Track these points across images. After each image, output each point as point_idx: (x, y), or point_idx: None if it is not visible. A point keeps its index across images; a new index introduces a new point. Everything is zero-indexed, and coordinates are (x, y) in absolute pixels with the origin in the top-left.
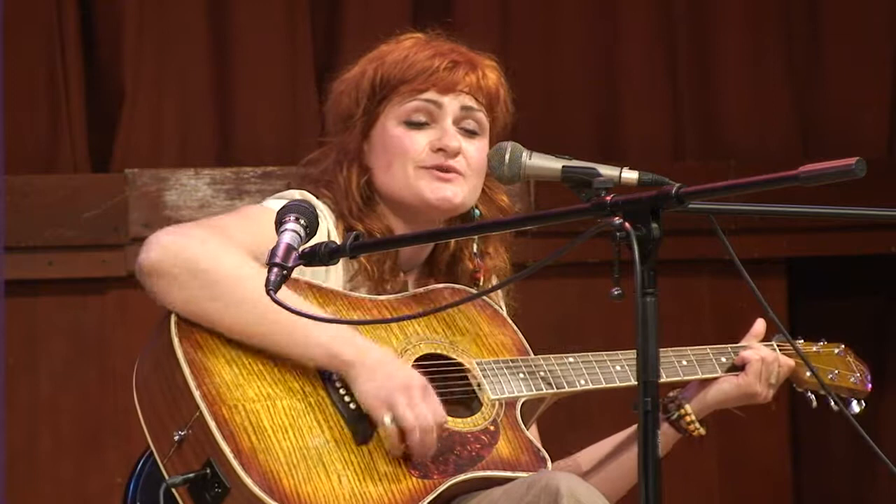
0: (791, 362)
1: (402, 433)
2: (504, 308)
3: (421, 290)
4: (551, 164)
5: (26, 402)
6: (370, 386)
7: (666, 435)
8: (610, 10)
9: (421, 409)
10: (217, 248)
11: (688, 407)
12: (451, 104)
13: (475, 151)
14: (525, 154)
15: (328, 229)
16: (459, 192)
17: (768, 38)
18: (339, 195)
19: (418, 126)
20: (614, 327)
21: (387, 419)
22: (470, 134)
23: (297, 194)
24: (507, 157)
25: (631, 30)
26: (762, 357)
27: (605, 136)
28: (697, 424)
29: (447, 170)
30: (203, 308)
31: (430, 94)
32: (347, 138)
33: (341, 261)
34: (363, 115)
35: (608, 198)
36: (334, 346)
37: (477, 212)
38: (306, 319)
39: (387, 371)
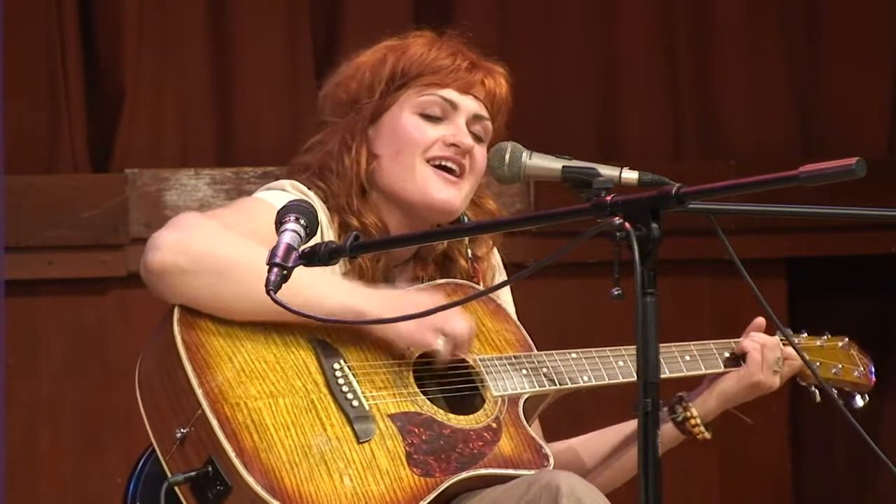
0: (801, 362)
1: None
2: (513, 307)
3: (423, 286)
4: (551, 164)
5: (26, 402)
6: (400, 327)
7: (670, 436)
8: (610, 11)
9: (456, 319)
10: (220, 236)
11: (693, 410)
12: (467, 107)
13: (479, 156)
14: (525, 154)
15: (320, 221)
16: (458, 195)
17: (768, 38)
18: (338, 183)
19: (432, 120)
20: (614, 328)
21: (440, 342)
22: (477, 139)
23: (288, 185)
24: (507, 157)
25: (631, 30)
26: (762, 344)
27: (605, 136)
28: (703, 428)
29: (454, 168)
30: (217, 294)
31: (448, 92)
32: (354, 121)
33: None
34: (378, 100)
35: (608, 198)
36: (350, 302)
37: (465, 218)
38: (319, 290)
39: (405, 301)
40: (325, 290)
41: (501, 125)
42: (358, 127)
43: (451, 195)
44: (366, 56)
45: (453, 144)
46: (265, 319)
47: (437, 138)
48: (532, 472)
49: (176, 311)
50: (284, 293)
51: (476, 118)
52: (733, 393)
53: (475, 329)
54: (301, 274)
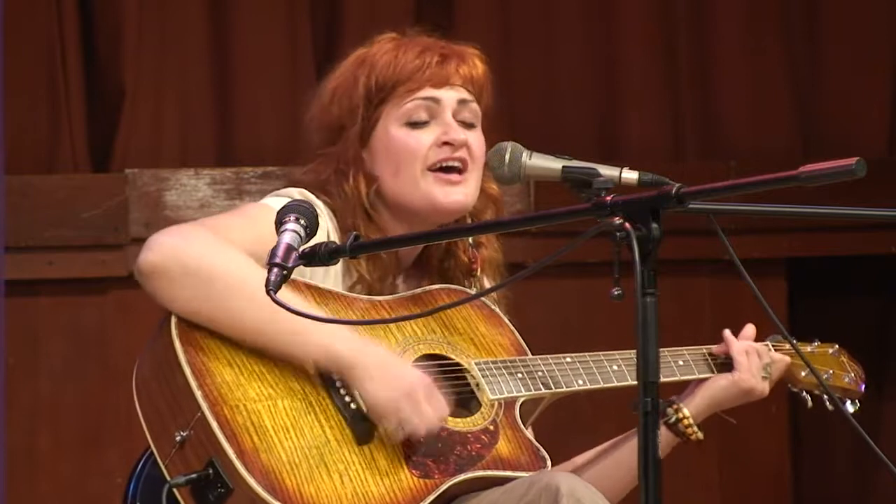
0: (787, 359)
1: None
2: (497, 305)
3: (418, 290)
4: (551, 164)
5: (26, 402)
6: (372, 387)
7: (663, 440)
8: (610, 10)
9: (426, 411)
10: (216, 249)
11: (685, 411)
12: (448, 98)
13: (475, 142)
14: (525, 154)
15: (327, 228)
16: (468, 192)
17: (768, 37)
18: (345, 208)
19: (420, 125)
20: (614, 328)
21: (391, 424)
22: (468, 126)
23: (296, 192)
24: (507, 157)
25: (631, 30)
26: (745, 349)
27: (605, 136)
28: (696, 428)
29: (457, 165)
30: (202, 309)
31: (426, 91)
32: (344, 148)
33: (339, 272)
34: (361, 122)
35: (608, 198)
36: (335, 346)
37: None
38: (306, 321)
39: (389, 372)
40: (305, 329)
41: (489, 102)
42: (350, 153)
43: (459, 195)
44: (337, 79)
45: (446, 143)
46: (243, 341)
47: (430, 143)
48: (530, 473)
49: (173, 314)
50: (275, 320)
51: (461, 104)
52: (722, 398)
53: (445, 419)
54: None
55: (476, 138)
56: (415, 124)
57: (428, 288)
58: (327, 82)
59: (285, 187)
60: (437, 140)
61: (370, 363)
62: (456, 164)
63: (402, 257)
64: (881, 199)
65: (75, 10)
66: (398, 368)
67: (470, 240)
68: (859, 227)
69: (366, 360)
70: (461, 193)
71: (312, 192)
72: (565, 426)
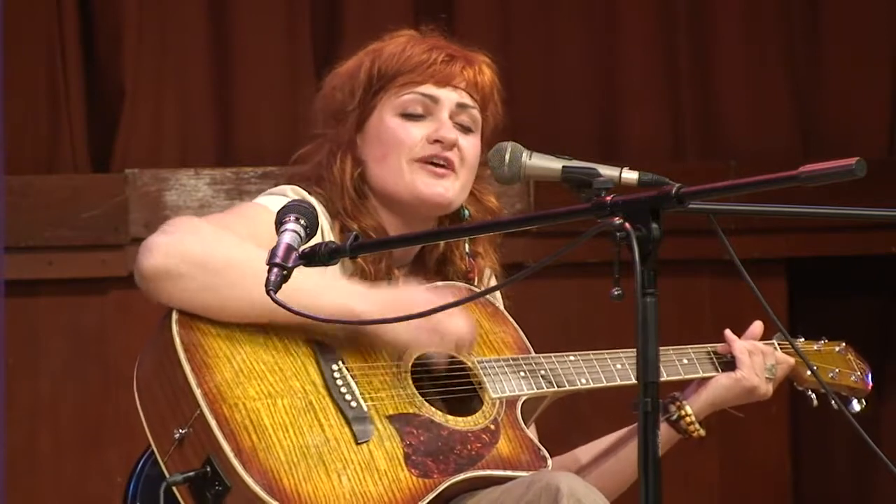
0: (791, 360)
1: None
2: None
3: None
4: (551, 164)
5: (26, 402)
6: (398, 329)
7: (665, 436)
8: (610, 10)
9: (455, 320)
10: (214, 237)
11: (688, 408)
12: (448, 98)
13: (469, 147)
14: (525, 154)
15: (321, 225)
16: (451, 187)
17: (768, 37)
18: (333, 190)
19: (414, 118)
20: (615, 328)
21: (437, 340)
22: (464, 129)
23: (289, 190)
24: (507, 157)
25: (631, 30)
26: (749, 349)
27: (605, 136)
28: (697, 425)
29: (442, 163)
30: (212, 297)
31: (427, 88)
32: (341, 130)
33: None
34: (358, 107)
35: (608, 198)
36: (348, 303)
37: (466, 212)
38: (316, 291)
39: (404, 302)
40: (321, 291)
41: (496, 113)
42: (344, 136)
43: (442, 188)
44: (346, 64)
45: (437, 141)
46: (260, 321)
47: (420, 137)
48: (530, 472)
49: (175, 312)
50: (282, 295)
51: (460, 107)
52: (724, 397)
53: (475, 329)
54: (298, 276)
55: (469, 143)
56: (409, 116)
57: (432, 285)
58: (337, 68)
59: (279, 182)
60: (428, 136)
61: (383, 305)
62: (441, 162)
63: (399, 250)
64: (881, 199)
65: (75, 10)
66: (411, 295)
67: (467, 249)
68: (859, 227)
69: (378, 303)
70: (442, 187)
71: (306, 188)
72: (562, 423)
